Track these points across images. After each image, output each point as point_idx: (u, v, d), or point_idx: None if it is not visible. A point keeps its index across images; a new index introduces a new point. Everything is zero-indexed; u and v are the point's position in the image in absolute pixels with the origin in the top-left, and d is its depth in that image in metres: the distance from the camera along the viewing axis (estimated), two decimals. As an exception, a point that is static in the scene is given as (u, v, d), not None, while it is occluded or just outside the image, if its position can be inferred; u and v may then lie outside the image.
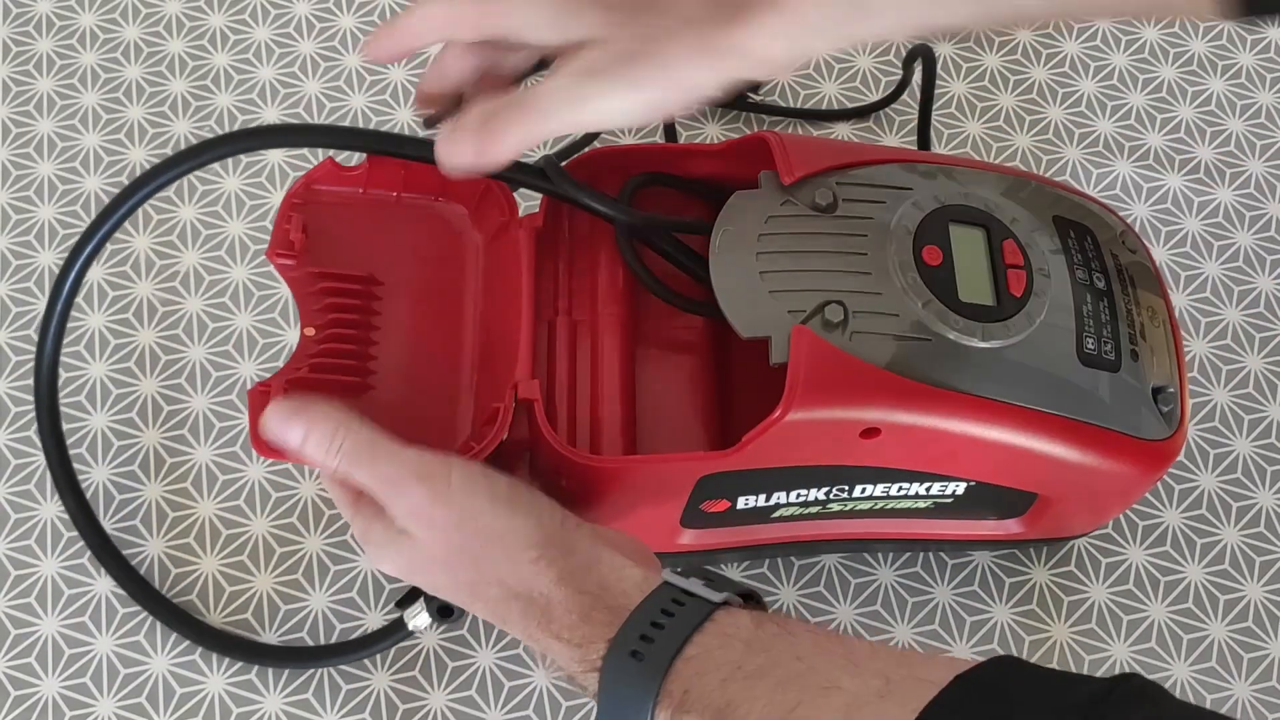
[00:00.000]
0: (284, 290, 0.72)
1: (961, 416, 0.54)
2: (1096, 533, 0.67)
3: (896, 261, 0.55)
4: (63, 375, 0.70)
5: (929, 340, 0.54)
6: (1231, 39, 0.81)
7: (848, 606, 0.66)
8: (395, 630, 0.62)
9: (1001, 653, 0.64)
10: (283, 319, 0.72)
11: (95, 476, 0.68)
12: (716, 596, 0.49)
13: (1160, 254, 0.74)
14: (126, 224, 0.74)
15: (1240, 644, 0.66)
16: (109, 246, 0.73)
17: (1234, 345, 0.72)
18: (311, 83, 0.78)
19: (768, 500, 0.59)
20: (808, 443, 0.55)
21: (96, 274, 0.73)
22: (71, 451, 0.67)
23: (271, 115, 0.77)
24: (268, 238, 0.73)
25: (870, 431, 0.54)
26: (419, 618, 0.60)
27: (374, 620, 0.65)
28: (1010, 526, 0.63)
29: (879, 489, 0.59)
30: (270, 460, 0.65)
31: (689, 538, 0.61)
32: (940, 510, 0.61)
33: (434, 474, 0.52)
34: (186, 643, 0.64)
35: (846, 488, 0.59)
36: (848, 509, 0.61)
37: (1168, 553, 0.68)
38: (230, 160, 0.76)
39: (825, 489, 0.59)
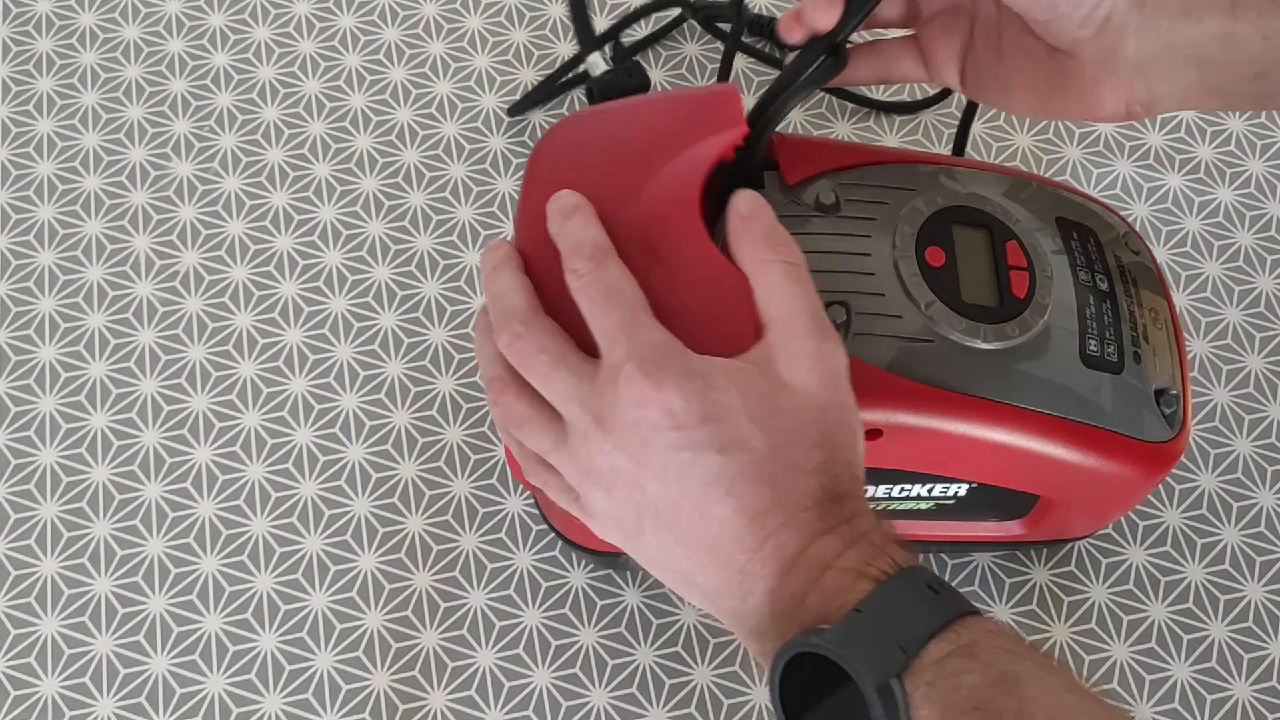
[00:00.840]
0: (284, 289, 0.72)
1: (964, 418, 0.54)
2: (1097, 533, 0.67)
3: (899, 262, 0.55)
4: (61, 375, 0.70)
5: (931, 341, 0.54)
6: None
7: None
8: None
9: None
10: (283, 319, 0.72)
11: (95, 476, 0.68)
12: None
13: (1161, 254, 0.74)
14: (126, 224, 0.74)
15: (1240, 644, 0.66)
16: (109, 246, 0.73)
17: (1234, 345, 0.72)
18: (312, 82, 0.78)
19: None
20: None
21: (96, 274, 0.73)
22: (70, 450, 0.67)
23: (272, 115, 0.77)
24: (268, 237, 0.73)
25: (873, 433, 0.54)
26: None
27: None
28: (1012, 528, 0.63)
29: (880, 490, 0.59)
30: (267, 463, 0.64)
31: None
32: (942, 512, 0.61)
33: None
34: (186, 643, 0.64)
35: None
36: None
37: (1168, 553, 0.68)
38: (230, 159, 0.76)
39: None
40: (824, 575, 0.46)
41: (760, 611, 0.47)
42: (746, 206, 0.51)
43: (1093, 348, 0.56)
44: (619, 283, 0.49)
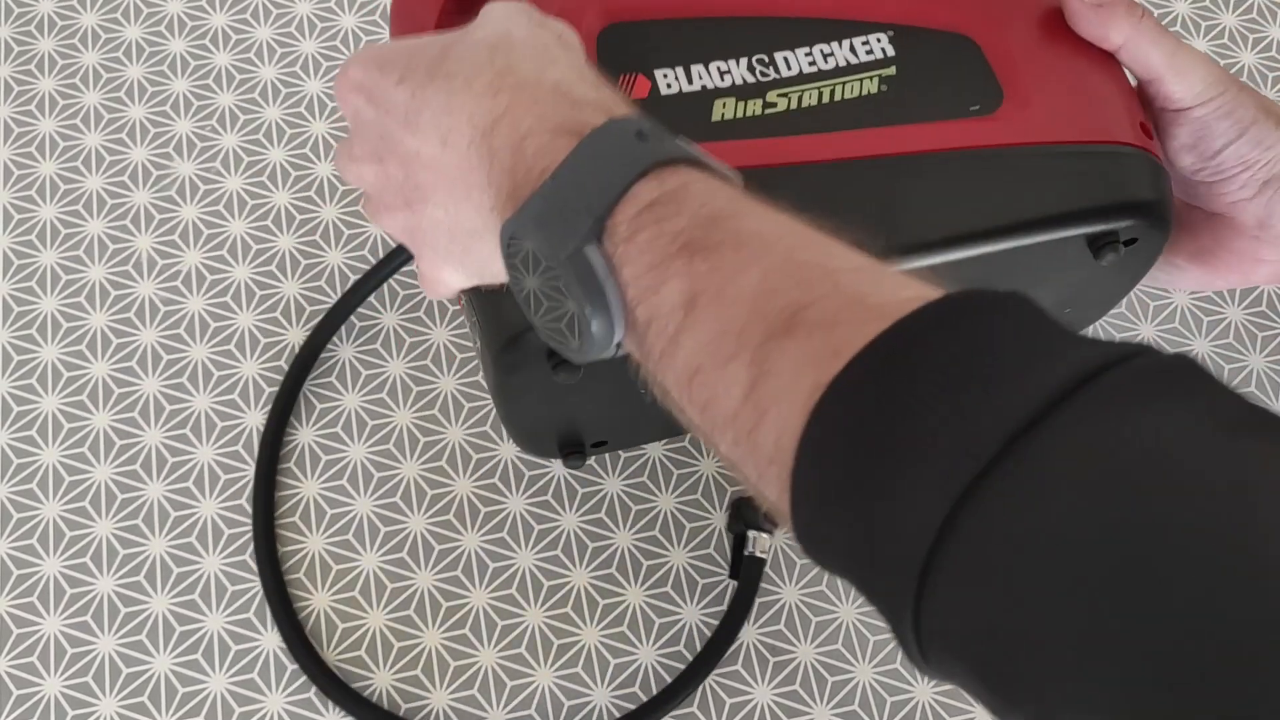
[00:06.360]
0: (285, 289, 0.72)
1: None
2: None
3: None
4: (63, 375, 0.70)
5: None
6: (1233, 37, 0.81)
7: None
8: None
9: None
10: (284, 318, 0.72)
11: (97, 476, 0.68)
12: (739, 179, 0.43)
13: (1162, 253, 0.75)
14: (128, 224, 0.74)
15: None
16: (111, 246, 0.73)
17: (1235, 344, 0.72)
18: (313, 82, 0.78)
19: (690, 81, 0.56)
20: None
21: (98, 273, 0.73)
22: (73, 449, 0.67)
23: (273, 114, 0.77)
24: (269, 237, 0.73)
25: None
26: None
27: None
28: (987, 131, 0.58)
29: (804, 60, 0.57)
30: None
31: None
32: (892, 102, 0.57)
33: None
34: (189, 643, 0.64)
35: (767, 60, 0.57)
36: (788, 107, 0.57)
37: (1170, 552, 0.68)
38: (231, 159, 0.76)
39: (745, 61, 0.57)
40: (523, 143, 0.42)
41: (494, 218, 0.43)
42: None
43: None
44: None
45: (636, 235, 0.39)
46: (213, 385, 0.70)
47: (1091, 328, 0.72)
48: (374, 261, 0.72)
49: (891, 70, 0.58)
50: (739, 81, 0.57)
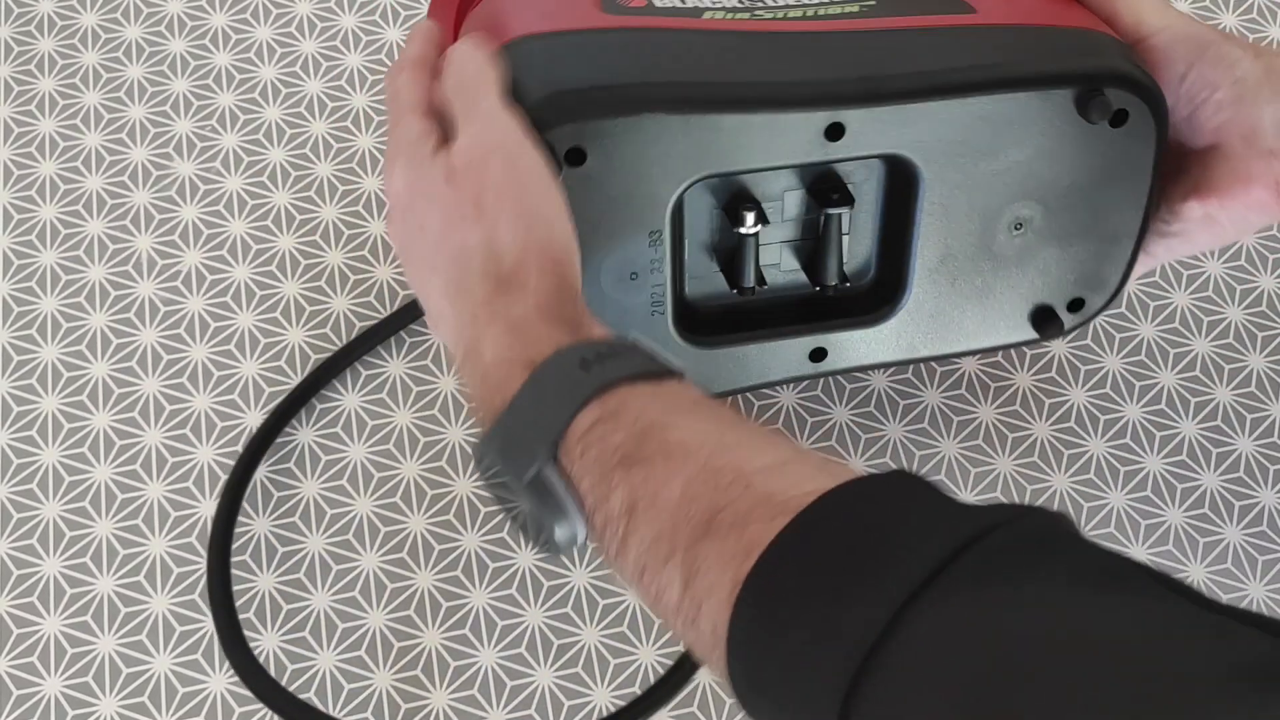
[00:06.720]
0: (285, 289, 0.72)
1: None
2: (1096, 532, 0.67)
3: None
4: (63, 375, 0.70)
5: None
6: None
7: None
8: None
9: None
10: (284, 318, 0.72)
11: (97, 476, 0.68)
12: (679, 367, 0.49)
13: (1162, 253, 0.75)
14: (128, 224, 0.74)
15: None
16: (111, 246, 0.73)
17: (1236, 344, 0.72)
18: (313, 82, 0.78)
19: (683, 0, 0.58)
20: None
21: (98, 274, 0.73)
22: (73, 450, 0.67)
23: (273, 114, 0.77)
24: (269, 237, 0.73)
25: None
26: None
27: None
28: (965, 19, 0.59)
29: None
30: (269, 463, 0.64)
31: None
32: (872, 13, 0.59)
33: (524, 138, 0.52)
34: (189, 643, 0.64)
35: None
36: (773, 18, 0.58)
37: (1170, 551, 0.68)
38: (231, 159, 0.76)
39: None
40: (487, 374, 0.48)
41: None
42: None
43: None
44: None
45: (587, 452, 0.45)
46: (212, 385, 0.70)
47: (1091, 327, 0.72)
48: (374, 262, 0.72)
49: (872, 1, 0.59)
50: (730, 4, 0.58)
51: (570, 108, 0.54)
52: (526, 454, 0.45)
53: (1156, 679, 0.33)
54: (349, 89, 0.78)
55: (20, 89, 0.78)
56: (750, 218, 0.59)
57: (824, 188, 0.60)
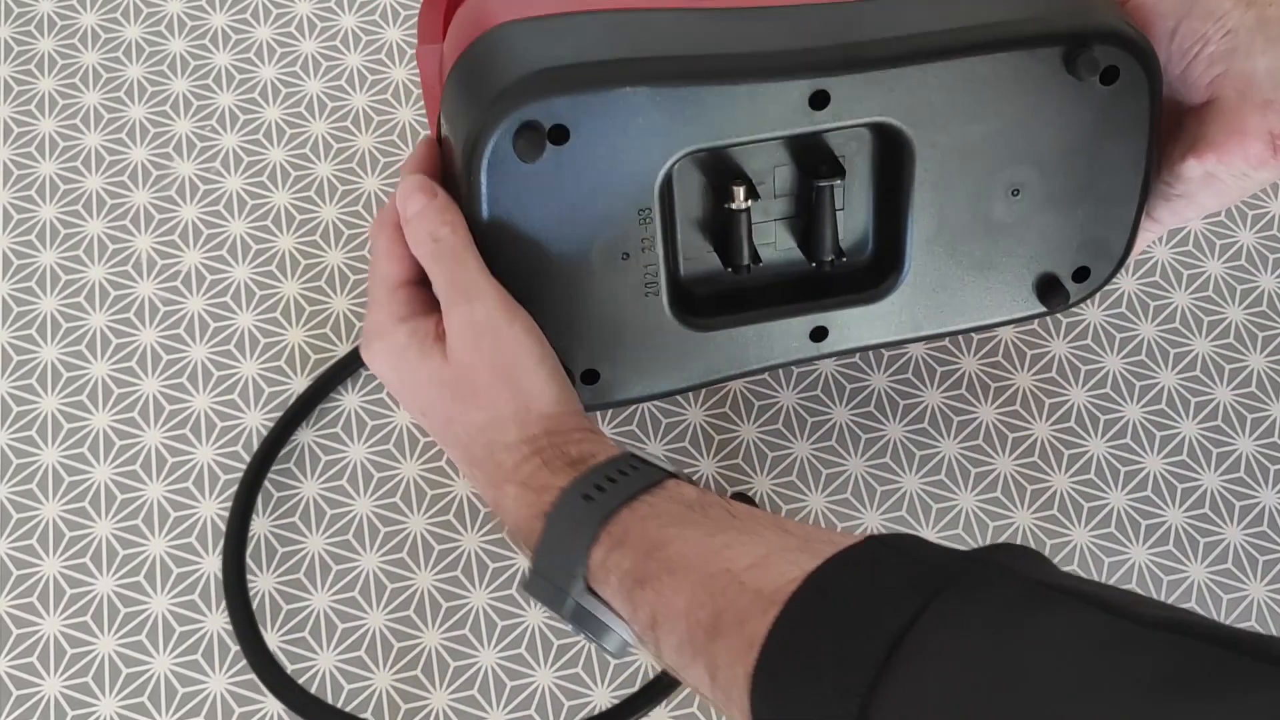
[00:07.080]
0: (285, 289, 0.72)
1: None
2: (1096, 532, 0.67)
3: None
4: (63, 375, 0.70)
5: None
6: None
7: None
8: None
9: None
10: (284, 318, 0.72)
11: (97, 476, 0.68)
12: (670, 468, 0.54)
13: (1163, 253, 0.74)
14: (128, 224, 0.74)
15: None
16: (110, 246, 0.73)
17: (1236, 344, 0.72)
18: (313, 82, 0.78)
19: None
20: None
21: (98, 273, 0.73)
22: (73, 450, 0.67)
23: (273, 114, 0.77)
24: (269, 237, 0.73)
25: None
26: None
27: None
28: None
29: None
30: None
31: None
32: None
33: (510, 310, 0.55)
34: (188, 643, 0.64)
35: None
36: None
37: (1170, 552, 0.68)
38: (232, 159, 0.76)
39: None
40: (515, 531, 0.55)
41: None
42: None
43: None
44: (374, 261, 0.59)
45: (608, 578, 0.51)
46: (212, 386, 0.70)
47: (1091, 327, 0.72)
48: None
49: None
50: None
51: (551, 84, 0.53)
52: (559, 594, 0.52)
53: (1066, 700, 0.38)
54: (349, 89, 0.78)
55: (20, 89, 0.78)
56: (740, 193, 0.58)
57: (813, 160, 0.59)
